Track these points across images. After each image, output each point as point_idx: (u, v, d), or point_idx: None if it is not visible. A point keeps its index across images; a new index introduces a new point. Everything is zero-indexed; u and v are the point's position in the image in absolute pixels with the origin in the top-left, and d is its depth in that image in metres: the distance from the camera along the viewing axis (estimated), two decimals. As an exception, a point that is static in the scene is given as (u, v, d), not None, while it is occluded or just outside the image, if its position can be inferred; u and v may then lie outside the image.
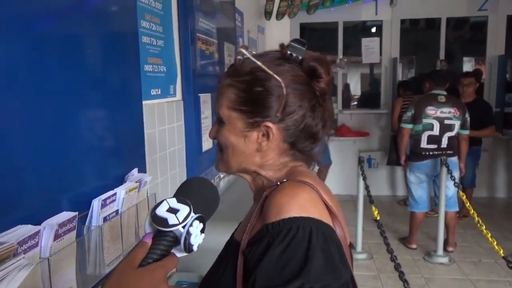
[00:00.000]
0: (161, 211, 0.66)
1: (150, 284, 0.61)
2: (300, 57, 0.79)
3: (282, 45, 0.82)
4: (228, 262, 0.77)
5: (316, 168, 0.92)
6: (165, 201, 0.67)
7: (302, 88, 0.78)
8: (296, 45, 0.79)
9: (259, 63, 0.78)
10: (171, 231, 0.66)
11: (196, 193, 0.73)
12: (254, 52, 0.81)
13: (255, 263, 0.67)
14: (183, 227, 0.65)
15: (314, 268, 0.63)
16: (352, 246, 0.81)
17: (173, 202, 0.67)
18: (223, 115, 0.82)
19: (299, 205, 0.69)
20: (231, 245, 0.81)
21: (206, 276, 0.85)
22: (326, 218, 0.71)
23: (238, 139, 0.81)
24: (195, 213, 0.67)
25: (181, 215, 0.66)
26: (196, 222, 0.67)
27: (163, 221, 0.65)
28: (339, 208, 0.79)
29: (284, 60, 0.80)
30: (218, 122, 0.84)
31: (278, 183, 0.76)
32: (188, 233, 0.65)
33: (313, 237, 0.66)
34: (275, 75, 0.77)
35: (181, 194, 0.72)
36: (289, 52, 0.79)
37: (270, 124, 0.78)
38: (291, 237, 0.65)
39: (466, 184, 4.57)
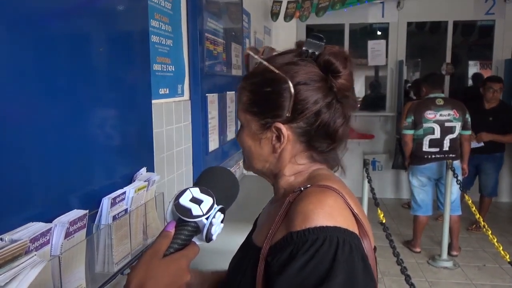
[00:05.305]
0: (185, 200, 0.66)
1: (175, 273, 0.62)
2: (317, 53, 0.77)
3: (299, 42, 0.80)
4: (247, 267, 0.75)
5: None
6: (188, 190, 0.67)
7: (315, 85, 0.75)
8: (312, 40, 0.77)
9: (265, 63, 0.76)
10: (194, 221, 0.66)
11: (218, 183, 0.73)
12: (275, 52, 0.80)
13: (277, 271, 0.65)
14: (206, 218, 0.66)
15: (336, 281, 0.61)
16: (375, 250, 0.79)
17: (197, 192, 0.67)
18: (241, 119, 0.83)
19: (325, 213, 0.67)
20: (250, 249, 0.79)
21: (225, 281, 0.85)
22: (352, 226, 0.68)
23: (254, 142, 0.81)
24: (217, 205, 0.68)
25: (205, 207, 0.66)
26: (218, 213, 0.67)
27: (187, 211, 0.65)
28: (363, 213, 0.76)
29: (299, 59, 0.77)
30: (240, 125, 0.85)
31: (302, 188, 0.73)
32: (211, 224, 0.66)
33: (339, 250, 0.63)
34: (282, 74, 0.74)
35: (203, 183, 0.71)
36: (305, 48, 0.77)
37: (280, 125, 0.76)
38: (316, 248, 0.63)
39: (486, 193, 4.42)
